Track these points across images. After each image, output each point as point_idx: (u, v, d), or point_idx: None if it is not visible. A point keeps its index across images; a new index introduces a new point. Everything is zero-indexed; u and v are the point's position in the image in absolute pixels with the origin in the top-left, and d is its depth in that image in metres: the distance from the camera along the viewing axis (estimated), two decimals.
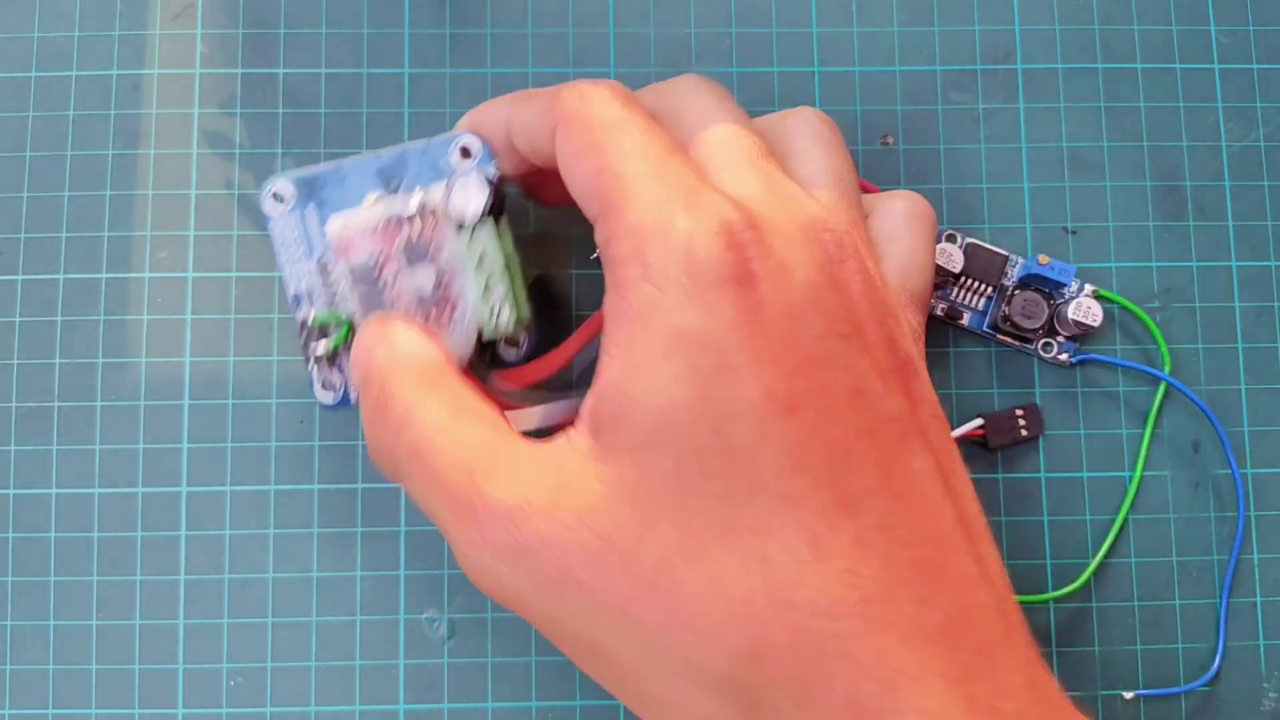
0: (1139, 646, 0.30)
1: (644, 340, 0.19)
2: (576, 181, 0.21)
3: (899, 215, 0.24)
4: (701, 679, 0.18)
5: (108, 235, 0.31)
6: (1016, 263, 0.30)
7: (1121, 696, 0.29)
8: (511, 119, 0.24)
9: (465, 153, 0.25)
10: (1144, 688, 0.29)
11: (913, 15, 0.32)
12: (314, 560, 0.29)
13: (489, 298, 0.25)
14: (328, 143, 0.31)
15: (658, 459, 0.18)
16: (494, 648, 0.29)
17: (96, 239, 0.30)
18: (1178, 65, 0.32)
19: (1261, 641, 0.30)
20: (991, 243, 0.31)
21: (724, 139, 0.22)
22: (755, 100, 0.31)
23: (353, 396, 0.25)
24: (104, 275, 0.30)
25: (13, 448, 0.30)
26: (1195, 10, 0.32)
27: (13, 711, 0.29)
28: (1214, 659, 0.29)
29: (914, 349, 0.21)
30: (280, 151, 0.31)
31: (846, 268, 0.20)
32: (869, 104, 0.32)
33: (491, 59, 0.32)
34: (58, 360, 0.30)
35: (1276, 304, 0.31)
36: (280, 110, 0.31)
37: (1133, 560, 0.30)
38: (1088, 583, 0.29)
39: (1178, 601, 0.30)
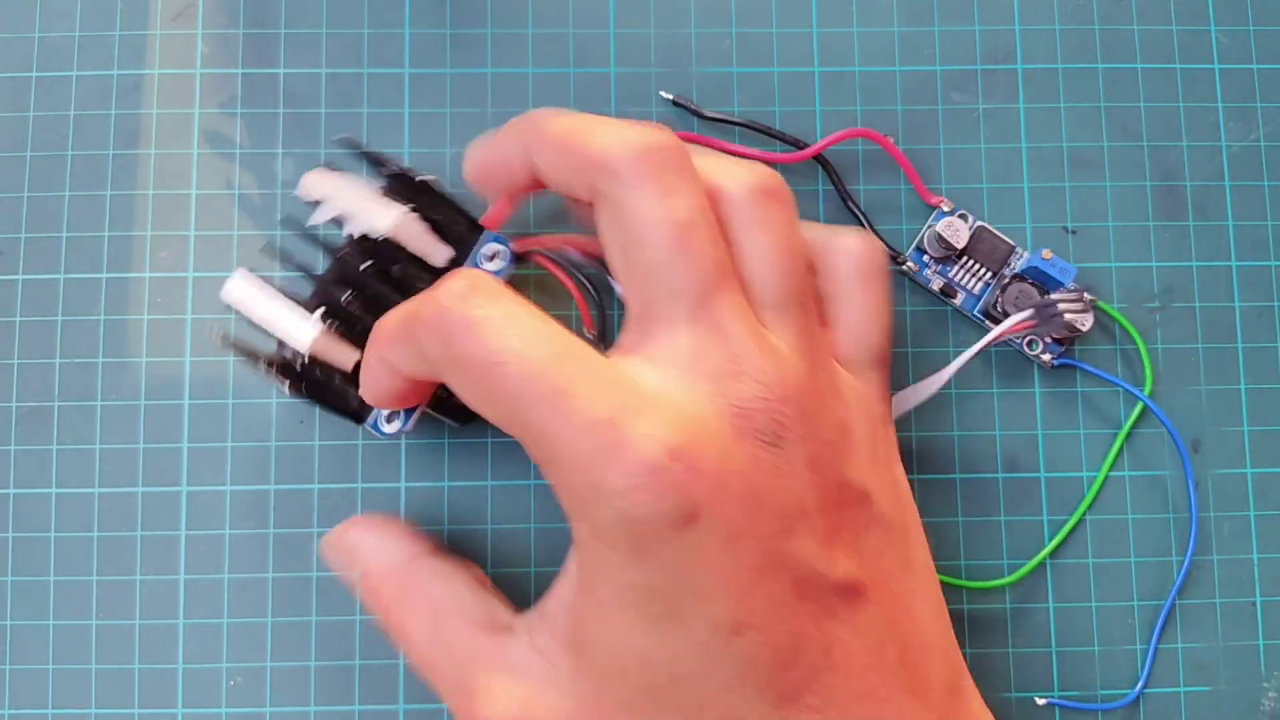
0: (1139, 647, 0.30)
1: (601, 590, 0.20)
2: (498, 424, 0.21)
3: (851, 270, 0.24)
4: None
5: (108, 235, 0.31)
6: (1021, 255, 0.30)
7: (1034, 700, 0.29)
8: (387, 359, 0.24)
9: (491, 256, 0.27)
10: (1144, 687, 0.29)
11: (913, 15, 0.32)
12: (314, 560, 0.29)
13: None
14: (328, 143, 0.31)
15: (615, 689, 0.21)
16: None
17: (96, 239, 0.30)
18: (1178, 65, 0.32)
19: (1261, 641, 0.30)
20: None
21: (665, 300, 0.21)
22: (755, 100, 0.31)
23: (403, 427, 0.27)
24: (104, 275, 0.30)
25: (13, 448, 0.30)
26: (1195, 10, 0.32)
27: (13, 711, 0.29)
28: (1140, 672, 0.29)
29: (868, 471, 0.22)
30: (280, 151, 0.31)
31: (789, 443, 0.20)
32: (869, 104, 0.32)
33: (491, 59, 0.32)
34: (58, 360, 0.30)
35: (1276, 304, 0.31)
36: (280, 110, 0.31)
37: (1132, 560, 0.30)
38: (1037, 575, 0.29)
39: (1178, 602, 0.30)
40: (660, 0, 0.32)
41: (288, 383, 0.26)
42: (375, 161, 0.27)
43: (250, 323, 0.26)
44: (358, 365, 0.26)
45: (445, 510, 0.30)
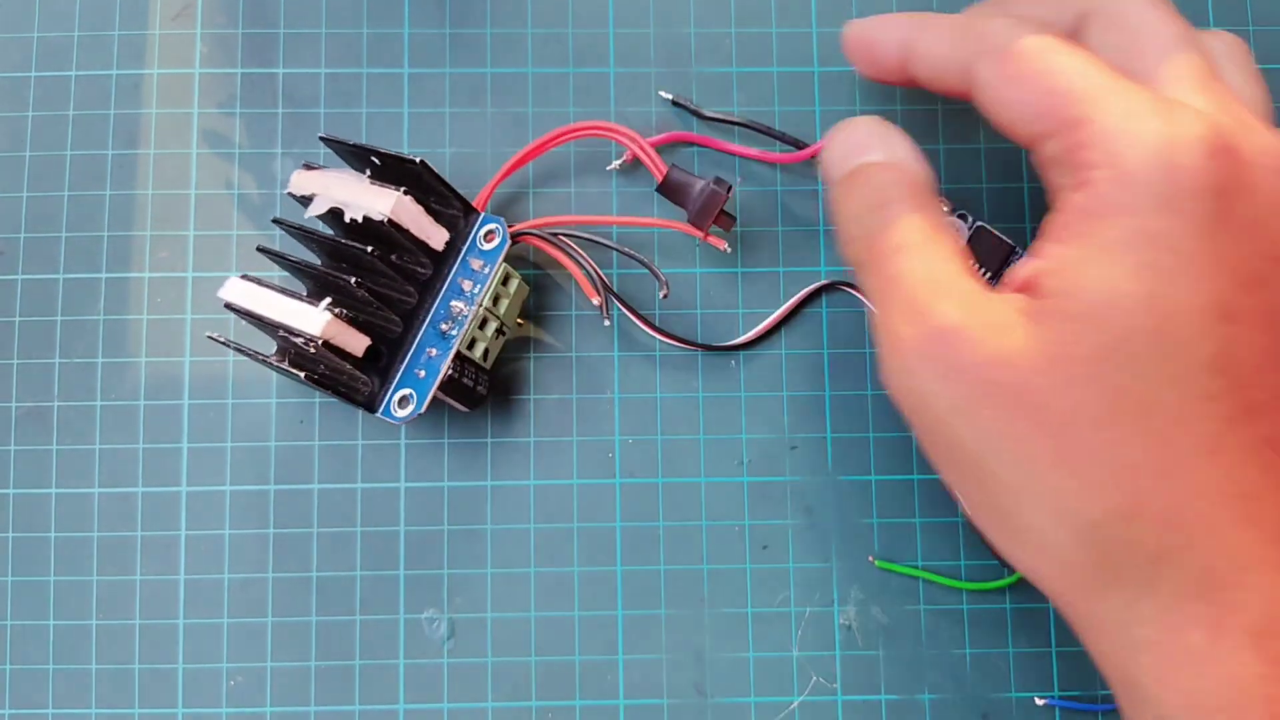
0: None
1: (1107, 234, 0.20)
2: (1016, 106, 0.23)
3: (1235, 68, 0.25)
4: (1074, 520, 0.20)
5: (108, 235, 0.31)
6: (1021, 255, 0.30)
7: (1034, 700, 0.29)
8: (914, 45, 0.25)
9: (490, 236, 0.28)
10: None
11: None
12: (314, 560, 0.29)
13: (484, 330, 0.28)
14: (316, 142, 0.31)
15: (1092, 333, 0.20)
16: (494, 648, 0.29)
17: (96, 239, 0.30)
18: None
19: None
20: None
21: (1175, 61, 0.22)
22: (755, 100, 0.31)
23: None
24: (104, 275, 0.30)
25: (13, 448, 0.30)
26: (1195, 10, 0.32)
27: (13, 711, 0.29)
28: None
29: None
30: (280, 151, 0.31)
31: None
32: (869, 104, 0.32)
33: (491, 59, 0.32)
34: (58, 360, 0.30)
35: None
36: (280, 110, 0.31)
37: None
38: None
39: None
40: (660, 0, 0.32)
41: (303, 373, 0.26)
42: (364, 152, 0.27)
43: (252, 318, 0.26)
44: (368, 351, 0.27)
45: (445, 510, 0.30)
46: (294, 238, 0.28)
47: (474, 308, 0.28)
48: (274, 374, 0.30)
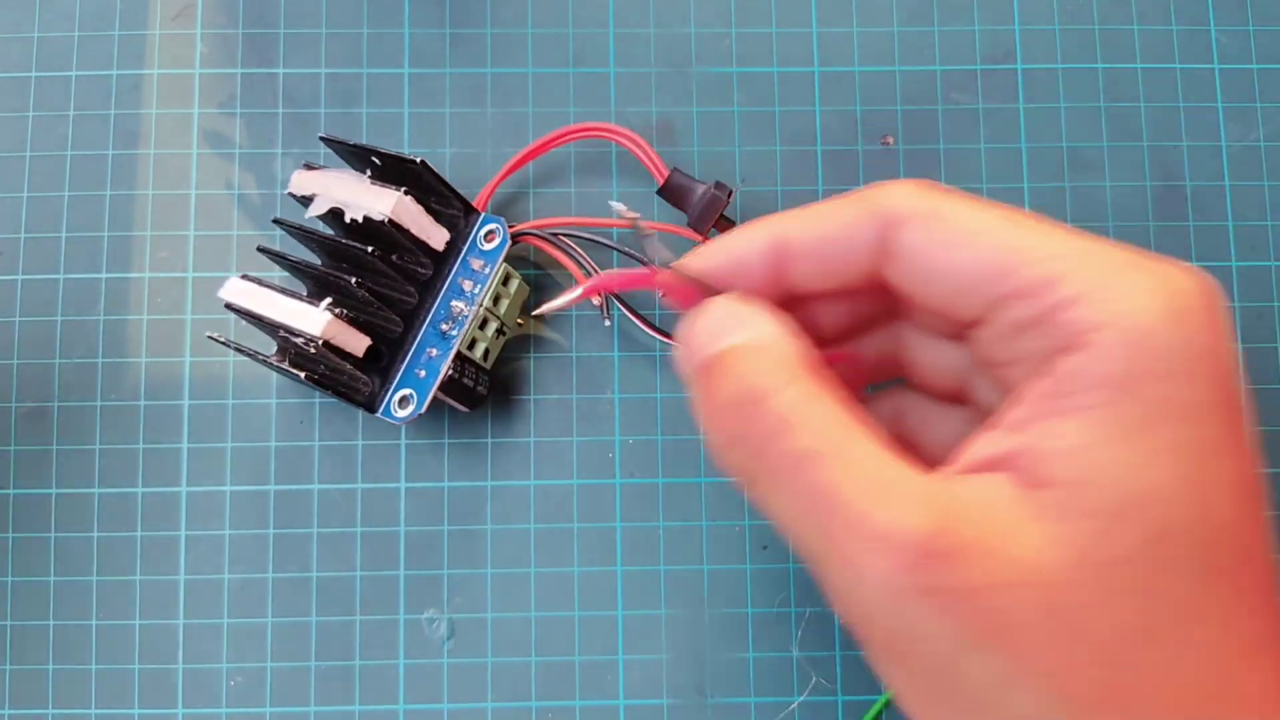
0: None
1: (1128, 409, 0.17)
2: (958, 274, 0.19)
3: None
4: None
5: (108, 235, 0.31)
6: None
7: None
8: (787, 243, 0.21)
9: (490, 236, 0.28)
10: None
11: (913, 15, 0.32)
12: (314, 560, 0.29)
13: (484, 330, 0.28)
14: (316, 142, 0.31)
15: (1129, 530, 0.17)
16: (494, 648, 0.29)
17: (96, 239, 0.30)
18: (1178, 65, 0.32)
19: None
20: None
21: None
22: (755, 100, 0.31)
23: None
24: (104, 275, 0.30)
25: (13, 448, 0.30)
26: (1195, 10, 0.32)
27: (13, 711, 0.29)
28: None
29: None
30: (279, 151, 0.31)
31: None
32: (869, 104, 0.32)
33: (491, 59, 0.32)
34: (58, 360, 0.30)
35: (1276, 304, 0.31)
36: (280, 110, 0.31)
37: None
38: None
39: None
40: (660, 0, 0.32)
41: (304, 373, 0.26)
42: (364, 152, 0.27)
43: (252, 318, 0.26)
44: (368, 351, 0.27)
45: (445, 510, 0.30)
46: (294, 238, 0.28)
47: (474, 308, 0.28)
48: (274, 374, 0.30)
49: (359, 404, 0.27)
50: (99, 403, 0.30)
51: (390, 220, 0.26)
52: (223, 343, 0.27)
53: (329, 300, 0.26)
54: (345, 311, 0.27)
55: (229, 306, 0.27)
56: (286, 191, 0.28)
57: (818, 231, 0.21)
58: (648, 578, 0.29)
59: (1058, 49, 0.32)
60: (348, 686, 0.29)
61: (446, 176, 0.27)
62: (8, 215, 0.31)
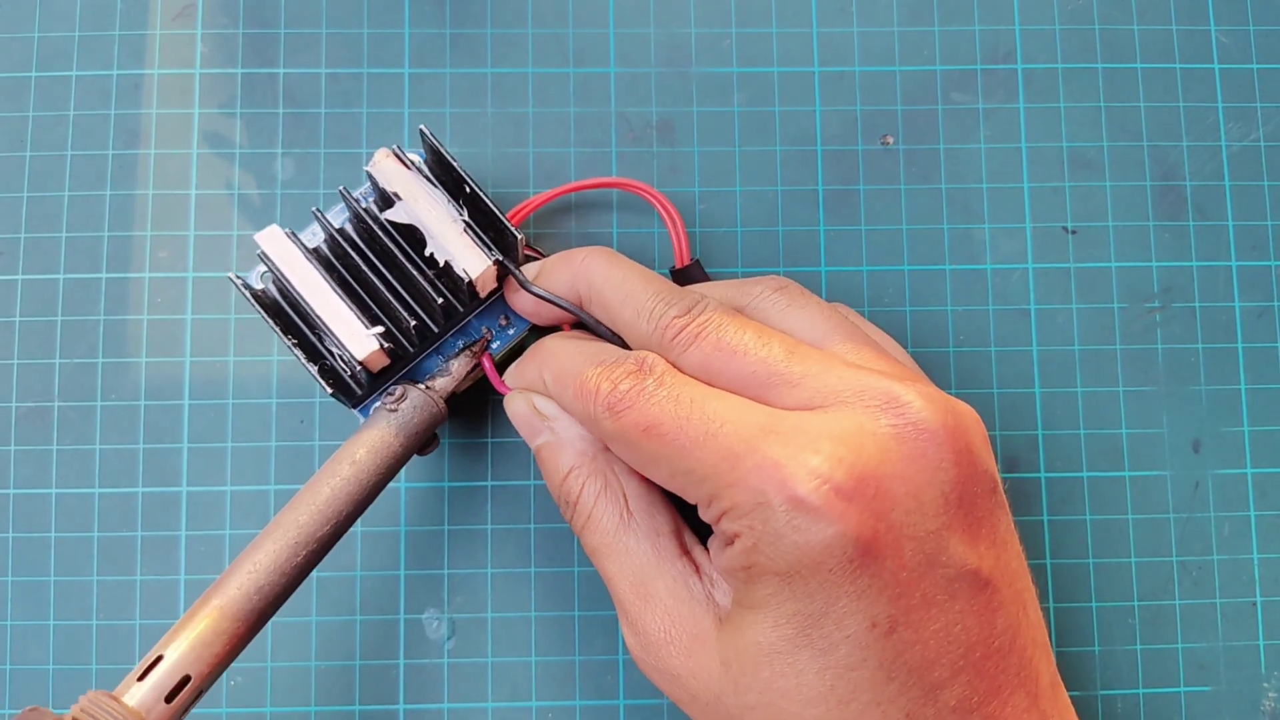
0: (1139, 647, 0.30)
1: (760, 589, 0.21)
2: (661, 482, 0.23)
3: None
4: None
5: (108, 235, 0.31)
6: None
7: None
8: (553, 393, 0.26)
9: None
10: (1143, 687, 0.29)
11: (913, 15, 0.32)
12: None
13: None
14: (328, 143, 0.31)
15: (759, 674, 0.22)
16: (494, 648, 0.29)
17: (96, 239, 0.30)
18: (1178, 65, 0.32)
19: (1261, 641, 0.30)
20: (991, 243, 0.31)
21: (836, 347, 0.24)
22: (755, 100, 0.31)
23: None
24: (104, 275, 0.30)
25: (13, 448, 0.30)
26: (1195, 10, 0.32)
27: (13, 711, 0.29)
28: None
29: (990, 457, 0.23)
30: (280, 151, 0.31)
31: (940, 438, 0.22)
32: (869, 104, 0.32)
33: (491, 59, 0.32)
34: (58, 360, 0.30)
35: (1276, 304, 0.31)
36: (280, 110, 0.31)
37: (1133, 560, 0.30)
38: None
39: (1178, 602, 0.30)
40: (660, 0, 0.32)
41: (315, 366, 0.26)
42: (460, 178, 0.27)
43: (285, 291, 0.26)
44: (383, 370, 0.27)
45: (445, 510, 0.30)
46: (353, 229, 0.27)
47: (485, 361, 0.28)
48: (274, 374, 0.30)
49: (349, 404, 0.27)
50: (99, 403, 0.30)
51: (469, 281, 0.26)
52: (242, 288, 0.26)
53: (380, 329, 0.26)
54: (384, 331, 0.26)
55: (262, 257, 0.26)
56: (365, 168, 0.27)
57: (556, 395, 0.25)
58: None
59: (1058, 49, 0.32)
60: (348, 686, 0.29)
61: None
62: (8, 215, 0.31)
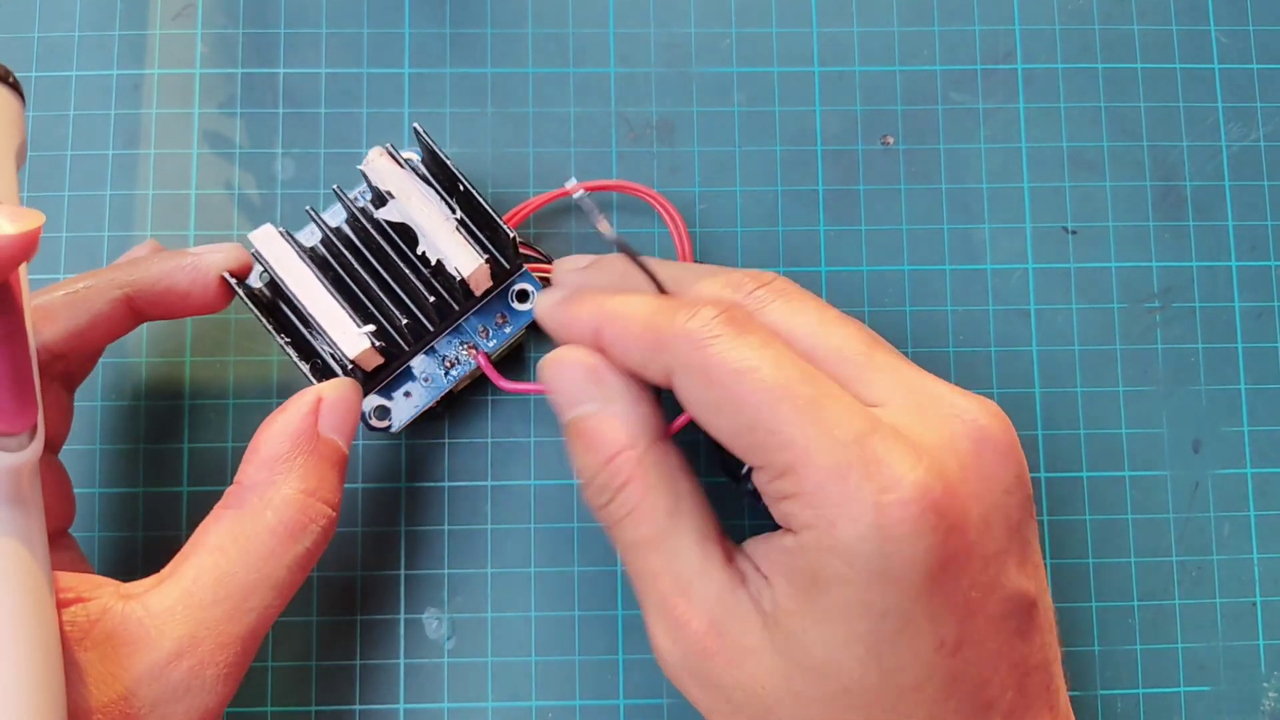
0: (1139, 646, 0.30)
1: (825, 600, 0.20)
2: (723, 434, 0.22)
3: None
4: None
5: (108, 235, 0.31)
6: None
7: None
8: (605, 342, 0.23)
9: (523, 297, 0.28)
10: (1143, 687, 0.29)
11: (913, 15, 0.32)
12: None
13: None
14: (328, 143, 0.31)
15: (822, 681, 0.21)
16: (494, 648, 0.29)
17: (97, 239, 0.30)
18: (1178, 65, 0.32)
19: (1261, 641, 0.30)
20: (991, 243, 0.31)
21: (860, 353, 0.22)
22: (755, 100, 0.31)
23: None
24: None
25: None
26: (1195, 10, 0.32)
27: None
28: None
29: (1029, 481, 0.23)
30: (280, 151, 0.31)
31: (1008, 461, 0.21)
32: (869, 104, 0.32)
33: (491, 59, 0.32)
34: None
35: (1276, 304, 0.31)
36: (280, 110, 0.31)
37: (1133, 560, 0.30)
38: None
39: (1178, 602, 0.30)
40: (660, 0, 0.32)
41: (307, 364, 0.26)
42: (454, 176, 0.27)
43: (283, 297, 0.26)
44: (377, 369, 0.27)
45: (445, 510, 0.30)
46: (349, 227, 0.28)
47: (480, 357, 0.28)
48: (274, 374, 0.30)
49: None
50: (99, 403, 0.30)
51: (462, 280, 0.26)
52: (236, 288, 0.26)
53: (372, 328, 0.26)
54: (375, 330, 0.26)
55: (256, 255, 0.26)
56: (358, 166, 0.27)
57: (621, 351, 0.23)
58: None
59: (1058, 49, 0.32)
60: (348, 686, 0.29)
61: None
62: None
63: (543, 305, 0.25)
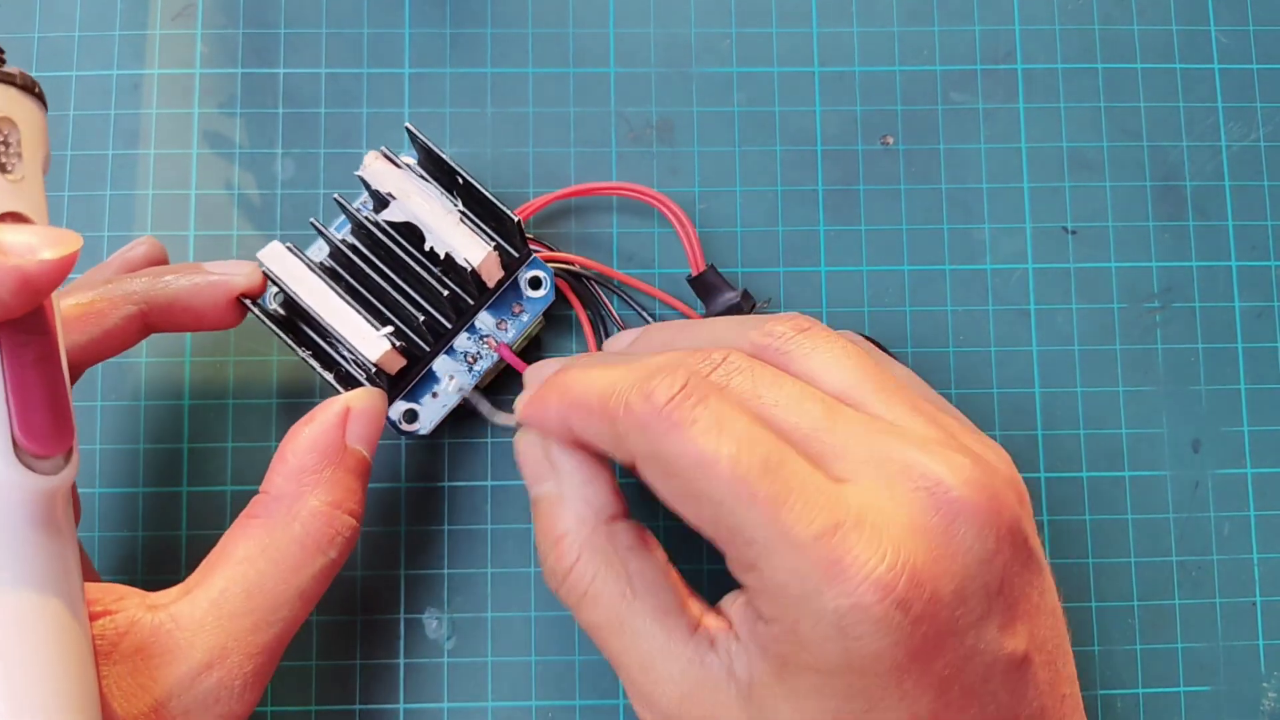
0: (1139, 646, 0.30)
1: (795, 681, 0.20)
2: (691, 522, 0.21)
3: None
4: None
5: (108, 235, 0.31)
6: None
7: None
8: (571, 424, 0.23)
9: (536, 283, 0.28)
10: (1143, 687, 0.29)
11: (913, 15, 0.32)
12: None
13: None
14: (328, 143, 0.31)
15: None
16: (494, 648, 0.29)
17: (97, 239, 0.30)
18: (1178, 65, 0.32)
19: (1261, 641, 0.30)
20: (991, 243, 0.31)
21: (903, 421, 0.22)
22: (755, 100, 0.31)
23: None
24: None
25: None
26: (1195, 10, 0.32)
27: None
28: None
29: (1027, 516, 0.22)
30: (280, 151, 0.31)
31: (985, 523, 0.20)
32: (869, 104, 0.32)
33: (491, 59, 0.32)
34: None
35: (1276, 304, 0.31)
36: (280, 110, 0.31)
37: (1133, 560, 0.30)
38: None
39: (1178, 602, 0.30)
40: (660, 0, 0.32)
41: (331, 373, 0.26)
42: (451, 169, 0.27)
43: (294, 305, 0.26)
44: (401, 371, 0.27)
45: (445, 510, 0.30)
46: (354, 228, 0.28)
47: (501, 348, 0.28)
48: (274, 374, 0.30)
49: None
50: (100, 403, 0.30)
51: (472, 270, 0.26)
52: (253, 309, 0.26)
53: (390, 329, 0.26)
54: (394, 331, 0.26)
55: (268, 274, 0.26)
56: (356, 173, 0.27)
57: (591, 438, 0.23)
58: None
59: (1058, 49, 0.32)
60: (348, 686, 0.29)
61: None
62: None
63: (517, 407, 0.25)
